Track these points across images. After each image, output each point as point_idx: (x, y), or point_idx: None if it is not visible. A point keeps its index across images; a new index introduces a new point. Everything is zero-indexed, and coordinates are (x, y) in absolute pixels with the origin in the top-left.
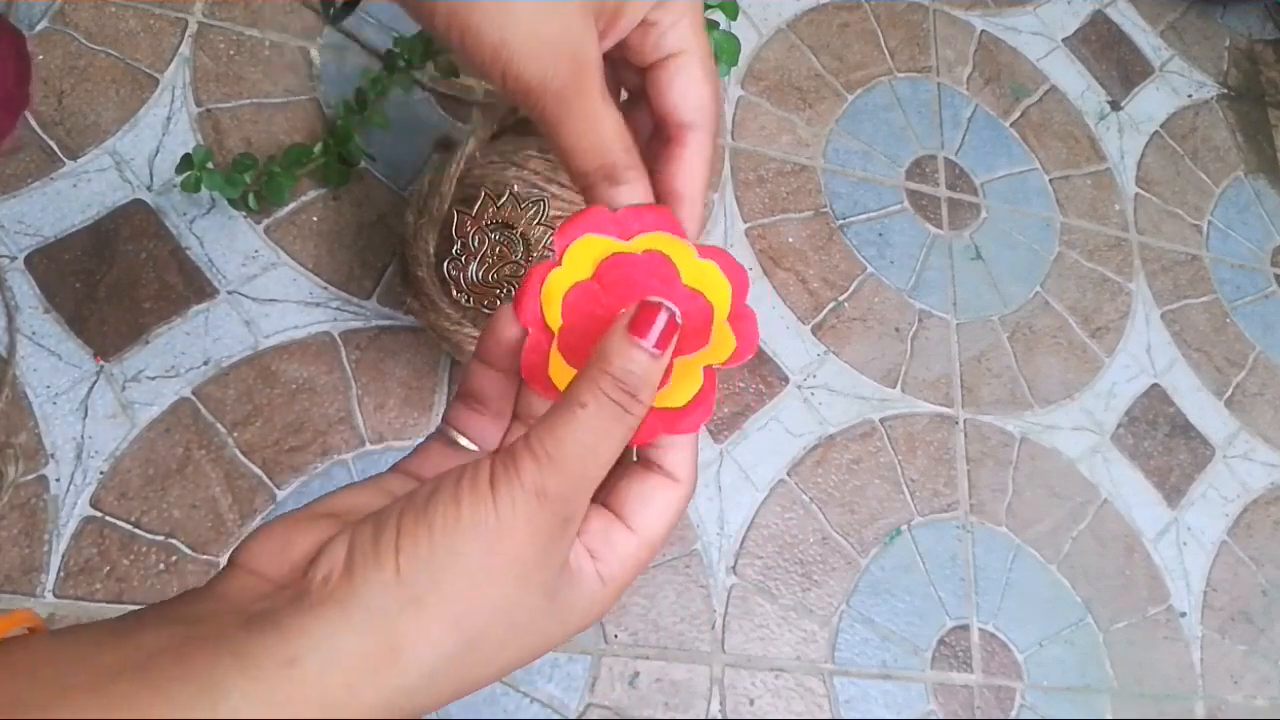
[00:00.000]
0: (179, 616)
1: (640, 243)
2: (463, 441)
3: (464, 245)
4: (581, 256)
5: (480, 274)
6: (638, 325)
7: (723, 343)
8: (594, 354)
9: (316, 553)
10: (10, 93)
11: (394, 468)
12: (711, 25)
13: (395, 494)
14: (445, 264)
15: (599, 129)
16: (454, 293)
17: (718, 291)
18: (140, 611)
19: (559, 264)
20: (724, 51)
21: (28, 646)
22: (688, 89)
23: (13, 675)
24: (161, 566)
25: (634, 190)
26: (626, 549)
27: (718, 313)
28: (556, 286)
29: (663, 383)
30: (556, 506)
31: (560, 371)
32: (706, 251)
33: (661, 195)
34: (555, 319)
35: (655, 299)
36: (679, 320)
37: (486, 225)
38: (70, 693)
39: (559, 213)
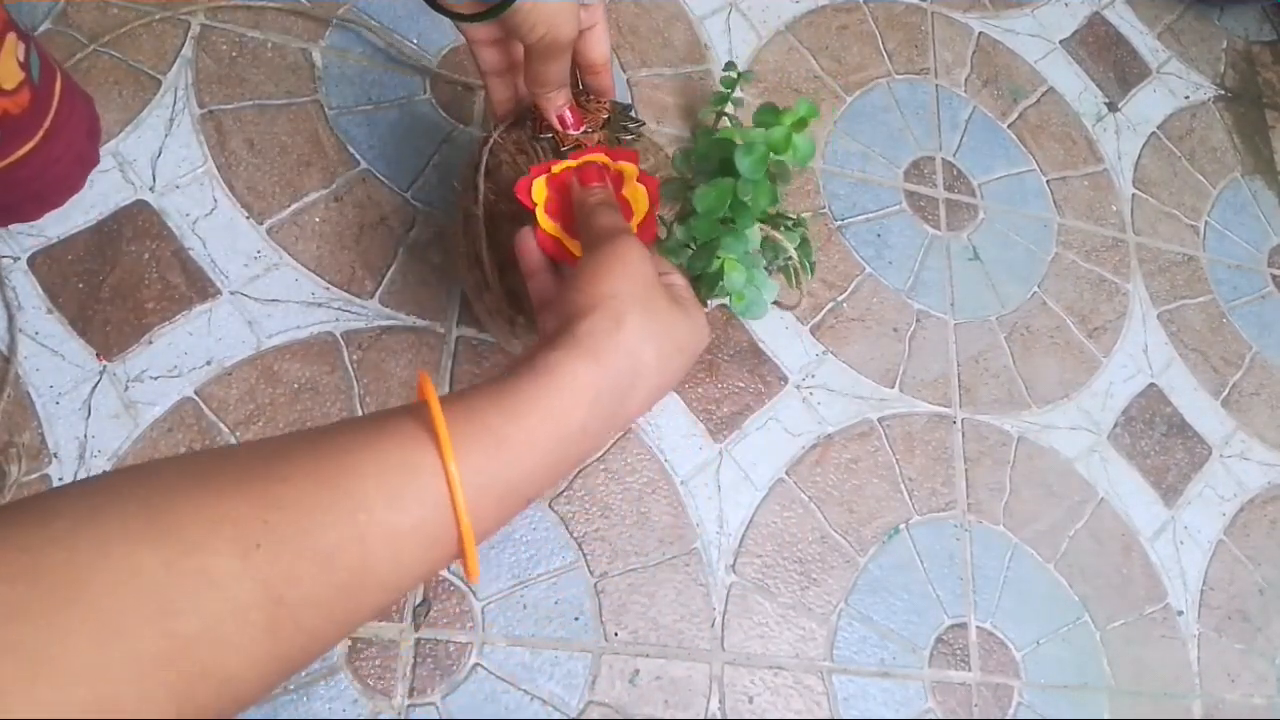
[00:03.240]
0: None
1: (585, 161)
2: None
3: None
4: (556, 167)
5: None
6: (585, 178)
7: (639, 198)
8: (577, 206)
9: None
10: (83, 151)
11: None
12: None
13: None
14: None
15: (561, 71)
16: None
17: (628, 167)
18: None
19: (530, 185)
20: (800, 154)
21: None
22: (590, 49)
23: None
24: None
25: (563, 95)
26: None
27: (628, 176)
28: (537, 192)
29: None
30: (639, 243)
31: (539, 189)
32: (618, 156)
33: (587, 88)
34: (541, 199)
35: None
36: (605, 165)
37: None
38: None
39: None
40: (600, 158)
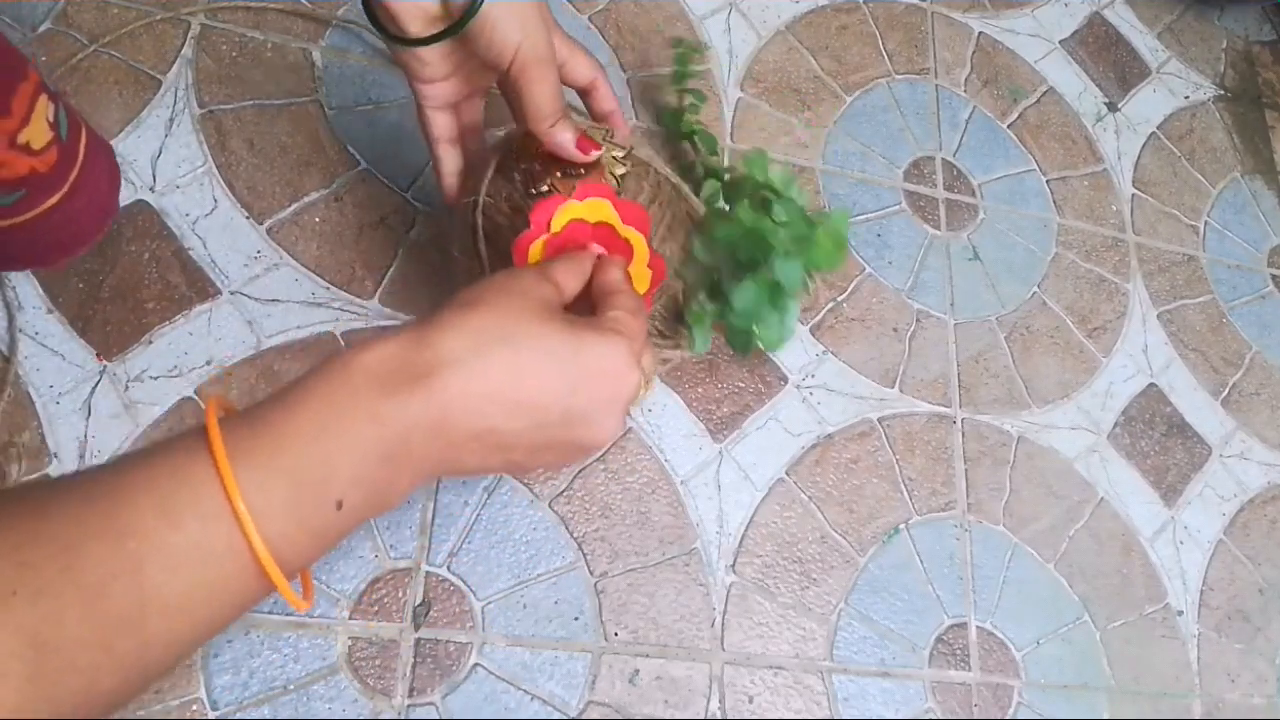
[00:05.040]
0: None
1: (590, 205)
2: None
3: None
4: (559, 218)
5: None
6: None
7: (642, 279)
8: (603, 290)
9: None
10: (105, 202)
11: None
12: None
13: None
14: None
15: (555, 92)
16: None
17: (637, 240)
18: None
19: (548, 225)
20: (829, 256)
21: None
22: (576, 70)
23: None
24: None
25: (569, 124)
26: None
27: (638, 254)
28: (534, 255)
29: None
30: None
31: (535, 256)
32: (628, 217)
33: (597, 116)
34: (558, 226)
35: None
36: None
37: None
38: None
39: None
40: (607, 208)
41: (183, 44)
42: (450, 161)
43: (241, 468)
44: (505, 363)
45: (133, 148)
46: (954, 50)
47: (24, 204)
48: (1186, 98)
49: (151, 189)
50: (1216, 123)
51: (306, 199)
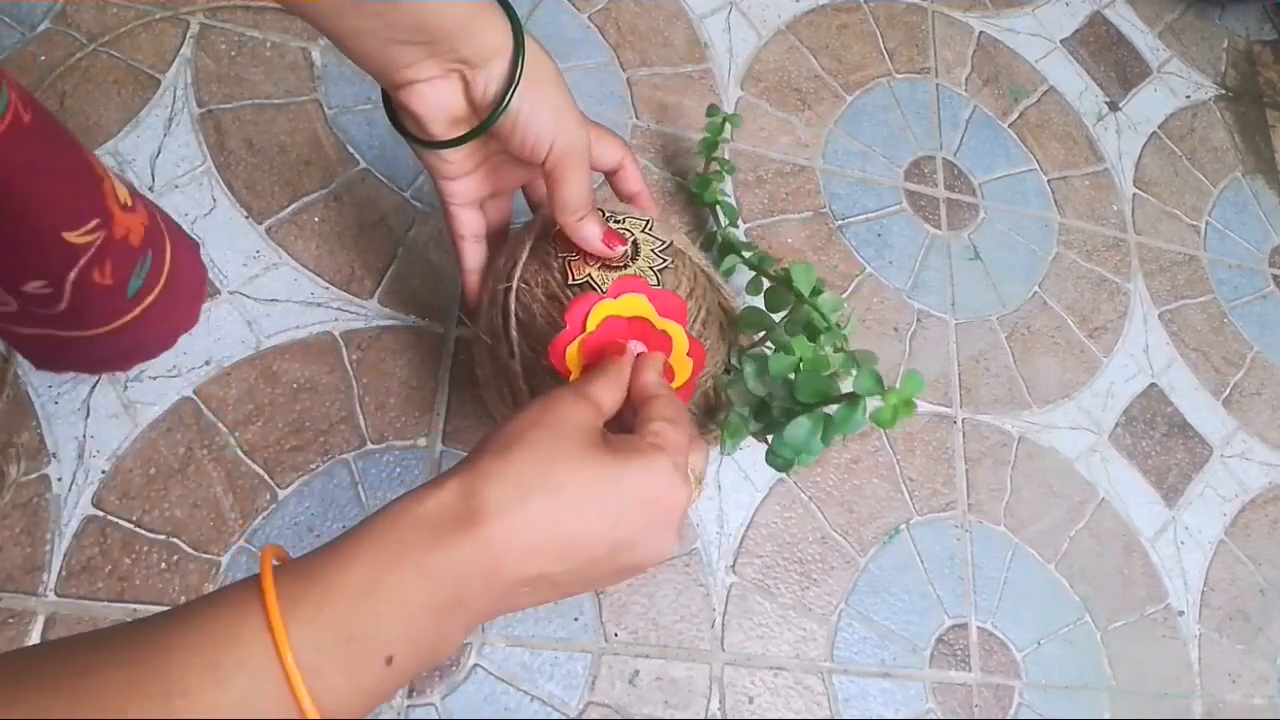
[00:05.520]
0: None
1: (625, 302)
2: None
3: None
4: (594, 317)
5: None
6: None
7: (684, 369)
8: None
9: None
10: (189, 240)
11: None
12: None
13: None
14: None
15: (587, 185)
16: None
17: (676, 332)
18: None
19: (583, 325)
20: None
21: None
22: (603, 154)
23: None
24: (163, 565)
25: (596, 218)
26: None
27: (677, 345)
28: (571, 358)
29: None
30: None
31: (573, 358)
32: (664, 309)
33: (623, 197)
34: (593, 325)
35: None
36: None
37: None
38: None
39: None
40: (643, 303)
41: (181, 43)
42: (474, 258)
43: (294, 624)
44: (548, 508)
45: (131, 147)
46: (955, 49)
47: (154, 274)
48: (1187, 97)
49: (150, 189)
50: (1217, 122)
51: (306, 198)
